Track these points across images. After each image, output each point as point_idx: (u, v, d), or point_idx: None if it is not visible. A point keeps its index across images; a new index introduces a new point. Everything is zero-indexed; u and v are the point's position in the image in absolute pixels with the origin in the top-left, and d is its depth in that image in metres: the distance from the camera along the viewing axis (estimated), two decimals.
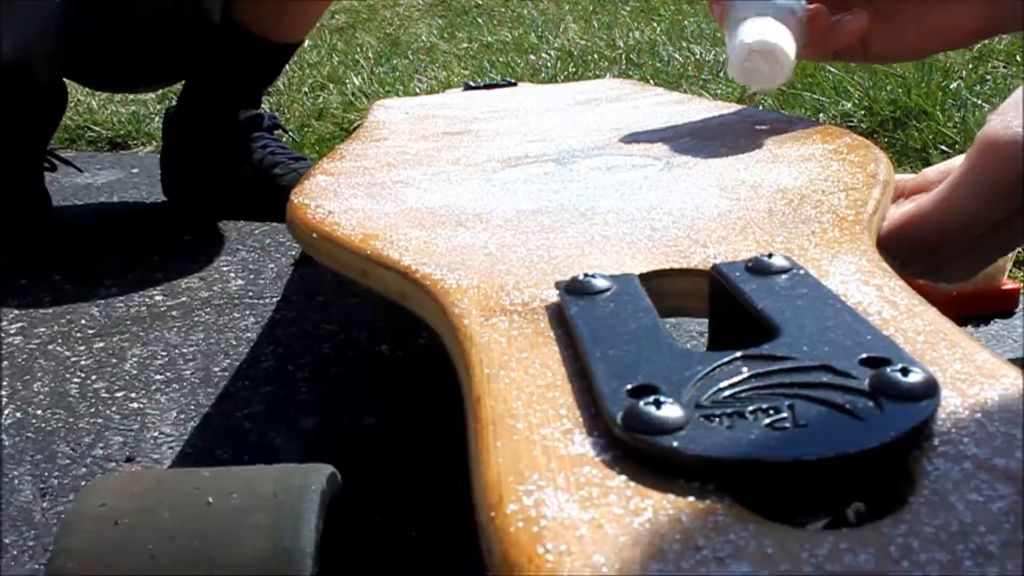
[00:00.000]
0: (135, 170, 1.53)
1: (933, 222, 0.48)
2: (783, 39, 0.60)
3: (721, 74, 1.78)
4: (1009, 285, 0.76)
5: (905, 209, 0.50)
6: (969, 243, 0.49)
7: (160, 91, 1.89)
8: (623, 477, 0.24)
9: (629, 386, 0.27)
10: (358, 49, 2.49)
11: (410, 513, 0.55)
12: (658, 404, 0.25)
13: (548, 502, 0.23)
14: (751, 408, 0.25)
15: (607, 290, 0.34)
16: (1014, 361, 0.68)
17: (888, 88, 1.40)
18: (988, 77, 1.43)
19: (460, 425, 0.32)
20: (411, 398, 0.70)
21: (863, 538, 0.21)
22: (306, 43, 2.47)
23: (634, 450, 0.24)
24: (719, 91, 1.64)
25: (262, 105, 1.33)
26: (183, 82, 1.29)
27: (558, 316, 0.34)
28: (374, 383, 0.73)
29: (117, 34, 1.16)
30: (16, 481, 0.60)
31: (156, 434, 0.66)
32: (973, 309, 0.76)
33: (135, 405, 0.70)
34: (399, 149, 0.71)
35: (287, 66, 1.63)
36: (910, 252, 0.49)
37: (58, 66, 1.11)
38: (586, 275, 0.35)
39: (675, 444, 0.23)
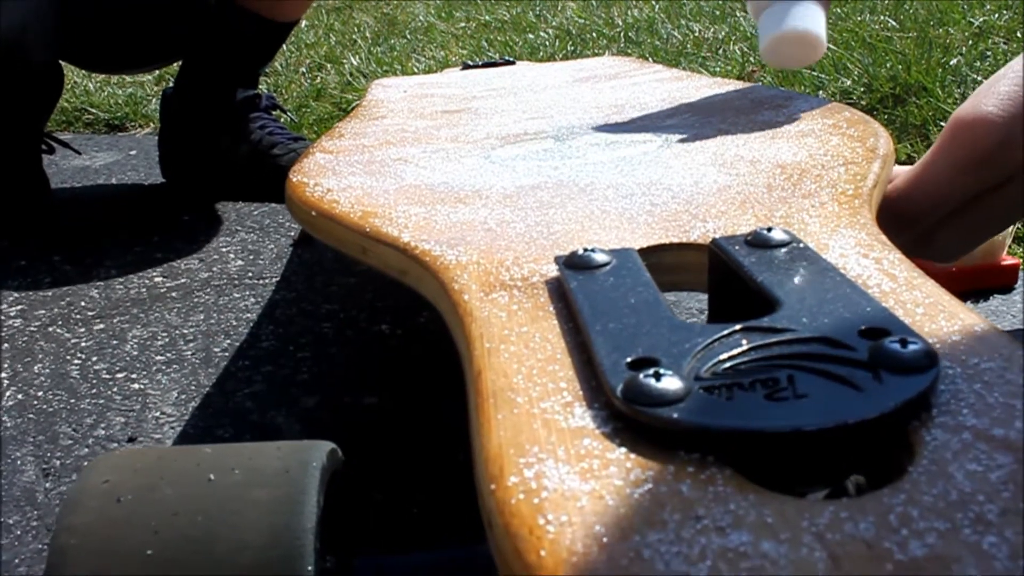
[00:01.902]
0: (133, 152, 1.53)
1: (907, 197, 0.50)
2: (815, 21, 0.60)
3: (720, 51, 1.78)
4: (1008, 261, 0.76)
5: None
6: (945, 218, 0.51)
7: (157, 72, 1.88)
8: (623, 449, 0.24)
9: (629, 359, 0.27)
10: (355, 29, 2.48)
11: (411, 490, 0.55)
12: (658, 376, 0.25)
13: (549, 474, 0.23)
14: (750, 379, 0.25)
15: (607, 264, 0.34)
16: (1013, 334, 0.68)
17: (888, 65, 1.39)
18: (988, 53, 1.43)
19: (460, 404, 0.32)
20: (411, 377, 0.70)
21: (863, 507, 0.21)
22: (303, 23, 2.46)
23: (634, 422, 0.24)
24: (718, 68, 1.63)
25: (260, 86, 1.33)
26: (180, 63, 1.29)
27: (558, 290, 0.35)
28: (374, 362, 0.73)
29: (114, 15, 1.16)
30: (19, 462, 0.60)
31: (157, 414, 0.66)
32: (973, 285, 0.76)
33: (136, 386, 0.70)
34: (398, 127, 0.71)
35: (285, 46, 1.62)
36: (889, 229, 0.50)
37: (53, 47, 1.11)
38: (586, 250, 0.35)
39: (675, 415, 0.24)
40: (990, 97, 0.49)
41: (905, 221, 0.51)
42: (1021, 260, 0.79)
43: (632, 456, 0.24)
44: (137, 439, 0.63)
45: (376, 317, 0.80)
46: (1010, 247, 0.80)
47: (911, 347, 0.25)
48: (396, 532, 0.52)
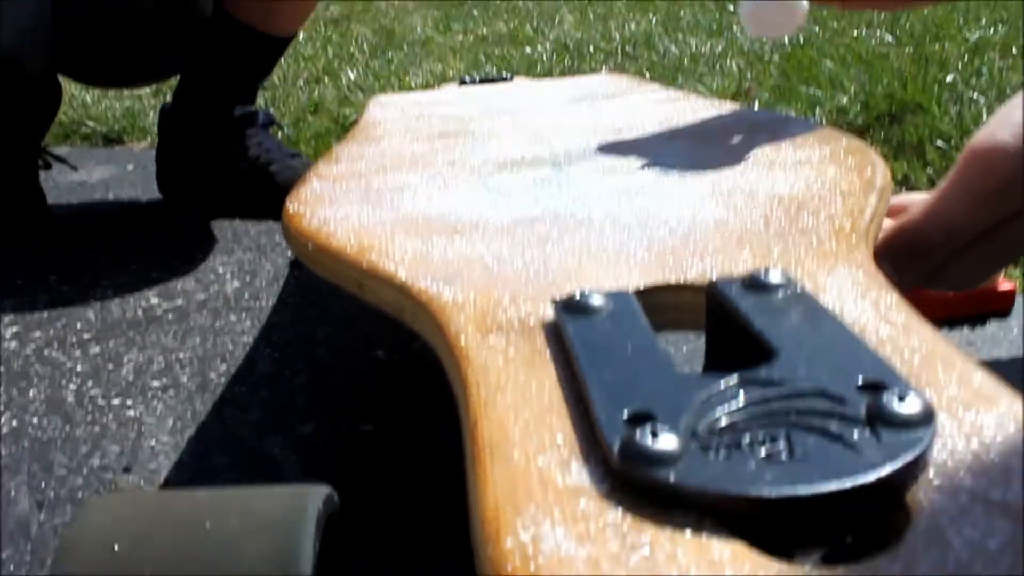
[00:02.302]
0: (130, 166, 1.52)
1: (921, 230, 0.50)
2: None
3: (717, 66, 1.78)
4: (1006, 286, 0.76)
5: (895, 221, 0.51)
6: (960, 249, 0.51)
7: (155, 86, 1.88)
8: (620, 510, 0.24)
9: (626, 413, 0.27)
10: (353, 42, 2.49)
11: (407, 519, 0.55)
12: (655, 434, 0.25)
13: (545, 537, 0.23)
14: (747, 439, 0.25)
15: (604, 309, 0.34)
16: (1010, 363, 0.68)
17: (884, 82, 1.40)
18: (984, 70, 1.43)
19: (456, 430, 0.32)
20: (408, 404, 0.70)
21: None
22: (300, 36, 2.47)
23: (631, 482, 0.24)
24: (715, 84, 1.63)
25: (257, 99, 1.33)
26: (178, 77, 1.29)
27: (555, 335, 0.34)
28: (371, 388, 0.73)
29: (112, 28, 1.16)
30: (12, 492, 0.60)
31: (153, 443, 0.65)
32: (970, 309, 0.76)
33: (132, 413, 0.70)
34: (394, 151, 0.71)
35: (282, 60, 1.62)
36: (902, 260, 0.49)
37: (48, 60, 1.10)
38: (583, 294, 0.35)
39: (672, 478, 0.23)
40: (1005, 127, 0.49)
41: (920, 253, 0.50)
42: (1018, 285, 0.79)
43: (628, 518, 0.23)
44: (132, 468, 0.62)
45: (373, 342, 0.80)
46: (1007, 272, 0.80)
47: (909, 402, 0.25)
48: (393, 563, 0.52)
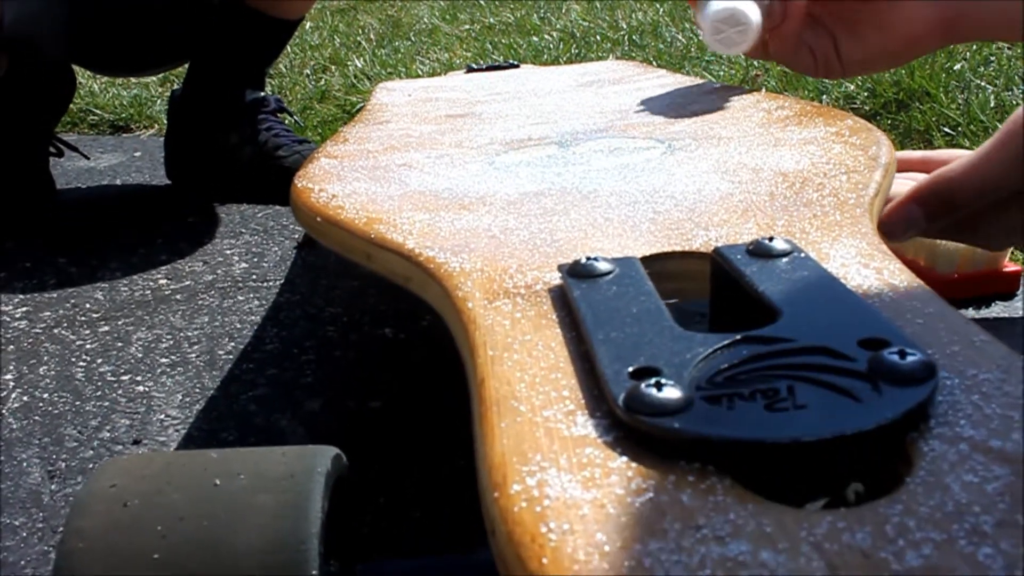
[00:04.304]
0: (137, 153, 1.53)
1: (958, 180, 0.51)
2: (744, 2, 0.64)
3: (724, 55, 1.78)
4: (1010, 268, 0.77)
5: (937, 171, 0.52)
6: (992, 206, 0.52)
7: (162, 75, 1.88)
8: (625, 458, 0.24)
9: (631, 368, 0.27)
10: (360, 31, 2.49)
11: (414, 494, 0.55)
12: (659, 386, 0.25)
13: (551, 482, 0.23)
14: (750, 390, 0.25)
15: (609, 273, 0.35)
16: (1015, 343, 0.68)
17: (891, 70, 1.39)
18: (992, 58, 1.43)
19: (462, 407, 0.32)
20: (415, 380, 0.70)
21: (860, 517, 0.21)
22: (307, 24, 2.47)
23: (636, 431, 0.25)
24: (722, 72, 1.63)
25: (266, 88, 1.34)
26: (187, 65, 1.29)
27: (561, 299, 0.35)
28: (378, 366, 0.73)
29: (124, 16, 1.16)
30: (24, 464, 0.61)
31: (162, 417, 0.66)
32: (975, 291, 0.76)
33: (141, 388, 0.71)
34: (402, 132, 0.72)
35: (289, 48, 1.62)
36: (936, 207, 0.51)
37: (64, 46, 1.11)
38: (588, 258, 0.35)
39: (676, 425, 0.24)
40: None
41: (953, 203, 0.52)
42: (1023, 267, 0.79)
43: (633, 465, 0.24)
44: (142, 441, 0.63)
45: (380, 320, 0.81)
46: (1012, 254, 0.80)
47: (910, 358, 0.25)
48: (399, 536, 0.52)
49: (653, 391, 0.25)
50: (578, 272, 0.35)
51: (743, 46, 0.66)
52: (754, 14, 0.65)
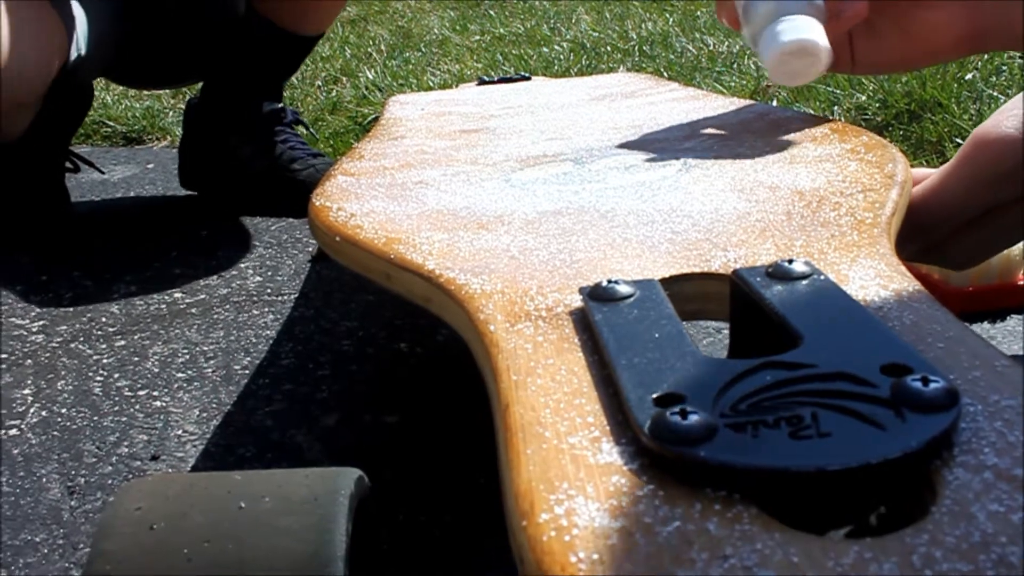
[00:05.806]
0: (150, 165, 1.54)
1: (923, 206, 0.53)
2: (815, 32, 0.60)
3: (735, 65, 1.78)
4: None
5: None
6: (959, 228, 0.54)
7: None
8: (651, 486, 0.24)
9: (655, 395, 0.27)
10: (371, 42, 2.50)
11: (433, 510, 0.56)
12: (684, 414, 0.25)
13: (579, 511, 0.24)
14: (775, 417, 0.25)
15: (630, 296, 0.35)
16: None
17: (903, 80, 1.39)
18: (1004, 68, 1.43)
19: (480, 422, 0.32)
20: (431, 395, 0.71)
21: (886, 548, 0.21)
22: None
23: (661, 459, 0.25)
24: (733, 83, 1.64)
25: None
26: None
27: (582, 321, 0.35)
28: (394, 380, 0.74)
29: (146, 29, 1.17)
30: (44, 480, 0.61)
31: (180, 432, 0.67)
32: (989, 304, 0.76)
33: (158, 403, 0.71)
34: (417, 148, 0.72)
35: None
36: (903, 232, 0.52)
37: (100, 65, 1.13)
38: (610, 281, 0.36)
39: (702, 454, 0.24)
40: (1012, 118, 0.52)
41: (920, 229, 0.53)
42: None
43: (660, 493, 0.24)
44: (160, 457, 0.63)
45: (395, 335, 0.81)
46: None
47: (932, 385, 0.26)
48: (418, 554, 0.52)
49: (678, 419, 0.25)
50: (599, 295, 0.35)
51: (810, 78, 0.62)
52: (824, 42, 0.60)
